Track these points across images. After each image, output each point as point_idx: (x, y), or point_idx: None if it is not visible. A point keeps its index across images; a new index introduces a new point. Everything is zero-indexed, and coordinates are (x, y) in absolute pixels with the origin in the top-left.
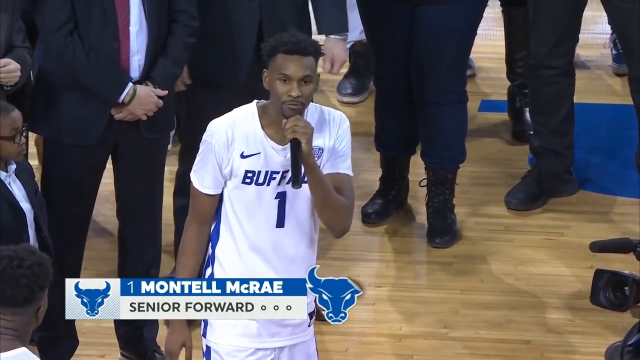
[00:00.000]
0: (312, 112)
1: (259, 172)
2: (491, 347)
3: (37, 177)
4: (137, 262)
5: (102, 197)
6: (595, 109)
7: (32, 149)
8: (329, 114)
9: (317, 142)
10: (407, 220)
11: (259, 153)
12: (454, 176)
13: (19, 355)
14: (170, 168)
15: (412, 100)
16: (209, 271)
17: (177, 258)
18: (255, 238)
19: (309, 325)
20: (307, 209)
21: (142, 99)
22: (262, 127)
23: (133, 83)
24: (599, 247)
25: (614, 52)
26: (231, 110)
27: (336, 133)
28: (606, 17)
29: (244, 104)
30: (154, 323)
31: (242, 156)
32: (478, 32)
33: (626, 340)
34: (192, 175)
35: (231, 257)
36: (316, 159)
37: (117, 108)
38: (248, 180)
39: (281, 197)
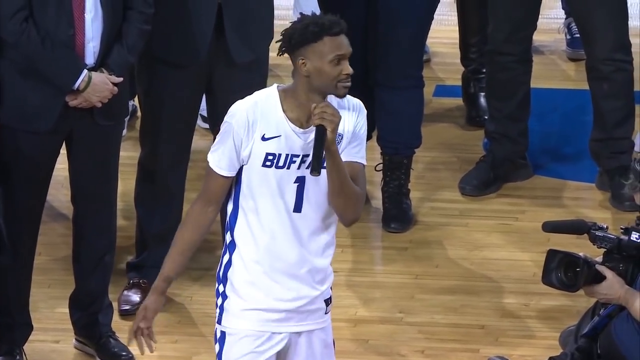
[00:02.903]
0: (331, 98)
1: (280, 154)
2: (446, 331)
3: None
4: (92, 248)
5: (57, 182)
6: (549, 94)
7: None
8: (347, 100)
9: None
10: None
11: (279, 136)
12: (410, 161)
13: None
14: (122, 153)
15: (368, 85)
16: (226, 258)
17: (177, 231)
18: (272, 221)
19: (325, 313)
20: (324, 194)
21: (97, 85)
22: (284, 111)
23: (88, 70)
24: (552, 227)
25: (568, 37)
26: (188, 89)
27: (356, 119)
28: (560, 2)
29: (203, 83)
30: (109, 309)
31: (263, 138)
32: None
33: (580, 325)
34: (209, 155)
35: (248, 241)
36: (337, 144)
37: (72, 95)
38: (268, 163)
39: (300, 181)
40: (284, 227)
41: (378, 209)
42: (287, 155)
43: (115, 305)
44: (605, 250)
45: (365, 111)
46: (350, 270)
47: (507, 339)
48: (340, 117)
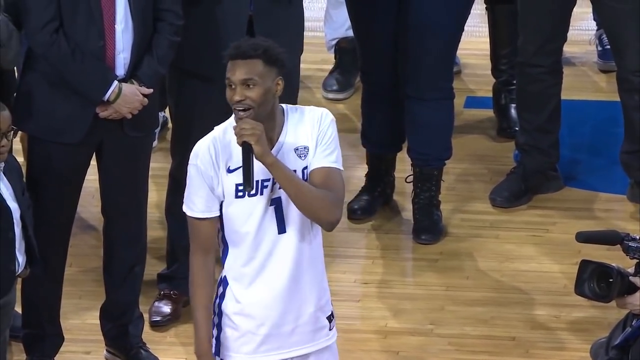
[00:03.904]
0: (292, 114)
1: None
2: (477, 343)
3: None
4: (122, 259)
5: (88, 193)
6: (580, 106)
7: (17, 145)
8: (310, 111)
9: (302, 141)
10: (393, 217)
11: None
12: (440, 173)
13: None
14: (154, 165)
15: (398, 97)
16: (219, 290)
17: (190, 291)
18: (259, 249)
19: (330, 329)
20: None
21: (128, 97)
22: None
23: (118, 81)
24: (585, 237)
25: (599, 48)
26: (219, 102)
27: (318, 129)
28: (591, 14)
29: None
30: (140, 320)
31: (229, 170)
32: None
33: (611, 337)
34: (184, 206)
35: (238, 275)
36: (303, 158)
37: (102, 106)
38: (241, 194)
39: (276, 203)
40: (272, 251)
41: (409, 220)
42: (256, 182)
43: (146, 316)
44: (638, 261)
45: (331, 117)
46: (380, 282)
47: (538, 350)
48: (261, 129)
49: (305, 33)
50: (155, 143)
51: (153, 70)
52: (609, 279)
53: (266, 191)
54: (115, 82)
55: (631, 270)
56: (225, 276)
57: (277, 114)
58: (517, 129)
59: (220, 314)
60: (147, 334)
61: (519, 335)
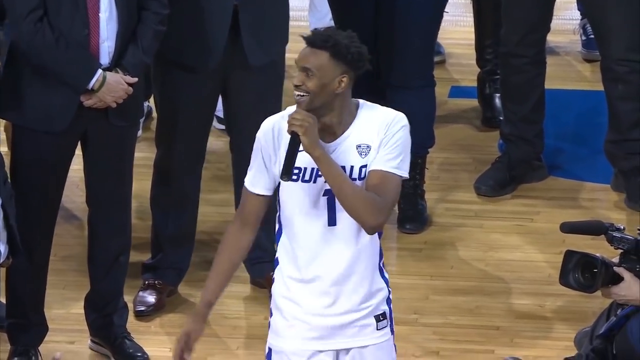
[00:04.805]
0: (365, 110)
1: (305, 168)
2: (461, 332)
3: (7, 163)
4: (107, 249)
5: (72, 183)
6: (564, 95)
7: (2, 135)
8: (384, 112)
9: (366, 139)
10: None
11: (303, 149)
12: (424, 161)
13: None
14: (138, 154)
15: (379, 86)
16: (273, 274)
17: (216, 254)
18: (308, 237)
19: (377, 329)
20: None
21: (112, 85)
22: None
23: (103, 70)
24: (569, 227)
25: (584, 38)
26: (204, 92)
27: (385, 132)
28: (575, 3)
29: (218, 85)
30: (124, 310)
31: None
32: (448, 18)
33: (595, 326)
34: (247, 175)
35: (287, 258)
36: (363, 156)
37: (87, 95)
38: (295, 177)
39: (329, 194)
40: (320, 242)
41: (393, 210)
42: (312, 169)
43: (130, 306)
44: (623, 251)
45: (405, 122)
46: None
47: (522, 339)
48: (313, 121)
49: (289, 22)
50: (139, 133)
51: (138, 59)
52: (593, 269)
53: (320, 180)
54: (100, 71)
55: (616, 260)
56: (277, 257)
57: (345, 108)
58: (501, 118)
59: (271, 297)
60: (132, 323)
61: (503, 324)
